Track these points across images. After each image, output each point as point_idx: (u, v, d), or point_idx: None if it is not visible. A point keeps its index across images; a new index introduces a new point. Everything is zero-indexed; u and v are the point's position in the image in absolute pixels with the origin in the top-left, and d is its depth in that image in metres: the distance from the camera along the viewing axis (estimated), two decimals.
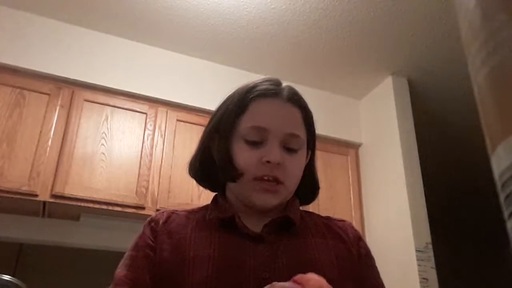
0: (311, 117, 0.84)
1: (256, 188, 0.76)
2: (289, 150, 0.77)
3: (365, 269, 0.80)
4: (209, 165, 0.82)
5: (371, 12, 2.39)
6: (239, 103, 0.79)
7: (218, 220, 0.78)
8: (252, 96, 0.79)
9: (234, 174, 0.77)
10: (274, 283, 0.58)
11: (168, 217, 0.80)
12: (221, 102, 0.85)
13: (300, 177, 0.80)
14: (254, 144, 0.76)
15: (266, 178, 0.75)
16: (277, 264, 0.72)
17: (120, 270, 0.74)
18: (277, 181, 0.75)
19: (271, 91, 0.80)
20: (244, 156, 0.76)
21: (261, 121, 0.77)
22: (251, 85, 0.81)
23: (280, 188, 0.76)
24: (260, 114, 0.78)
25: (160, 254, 0.74)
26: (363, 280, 0.78)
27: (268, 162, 0.74)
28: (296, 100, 0.81)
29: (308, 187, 0.86)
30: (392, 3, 2.33)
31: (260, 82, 0.82)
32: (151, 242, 0.76)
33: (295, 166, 0.78)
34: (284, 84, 0.84)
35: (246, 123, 0.77)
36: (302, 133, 0.80)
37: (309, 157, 0.85)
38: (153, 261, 0.74)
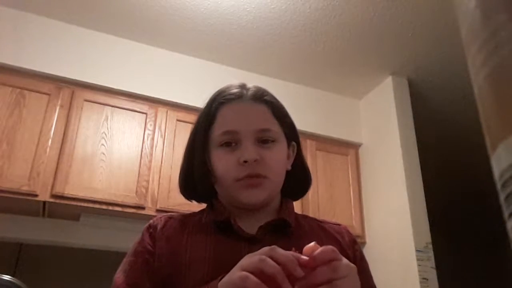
0: (282, 109, 0.86)
1: (241, 187, 0.78)
2: (265, 144, 0.79)
3: (360, 273, 0.80)
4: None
5: (371, 12, 2.39)
6: (207, 114, 0.83)
7: (214, 222, 0.79)
8: (217, 103, 0.82)
9: (212, 179, 0.80)
10: (274, 246, 0.60)
11: (166, 223, 0.82)
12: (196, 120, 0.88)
13: (283, 168, 0.82)
14: (230, 148, 0.79)
15: (248, 177, 0.77)
16: None
17: (119, 276, 0.76)
18: (259, 176, 0.77)
19: (235, 95, 0.83)
20: (222, 162, 0.79)
21: (230, 125, 0.80)
22: (216, 93, 0.85)
23: (264, 182, 0.78)
24: (228, 119, 0.81)
25: (159, 259, 0.76)
26: None
27: (245, 161, 0.76)
28: (260, 96, 0.83)
29: (300, 180, 0.88)
30: (392, 3, 2.33)
31: (224, 89, 0.85)
32: (150, 248, 0.77)
33: (274, 158, 0.80)
34: (250, 85, 0.86)
35: (217, 130, 0.80)
36: (273, 126, 0.82)
37: (295, 150, 0.87)
38: (152, 267, 0.75)
